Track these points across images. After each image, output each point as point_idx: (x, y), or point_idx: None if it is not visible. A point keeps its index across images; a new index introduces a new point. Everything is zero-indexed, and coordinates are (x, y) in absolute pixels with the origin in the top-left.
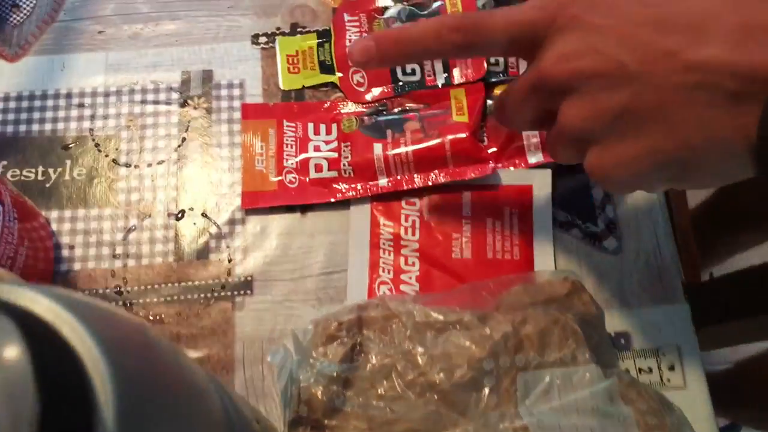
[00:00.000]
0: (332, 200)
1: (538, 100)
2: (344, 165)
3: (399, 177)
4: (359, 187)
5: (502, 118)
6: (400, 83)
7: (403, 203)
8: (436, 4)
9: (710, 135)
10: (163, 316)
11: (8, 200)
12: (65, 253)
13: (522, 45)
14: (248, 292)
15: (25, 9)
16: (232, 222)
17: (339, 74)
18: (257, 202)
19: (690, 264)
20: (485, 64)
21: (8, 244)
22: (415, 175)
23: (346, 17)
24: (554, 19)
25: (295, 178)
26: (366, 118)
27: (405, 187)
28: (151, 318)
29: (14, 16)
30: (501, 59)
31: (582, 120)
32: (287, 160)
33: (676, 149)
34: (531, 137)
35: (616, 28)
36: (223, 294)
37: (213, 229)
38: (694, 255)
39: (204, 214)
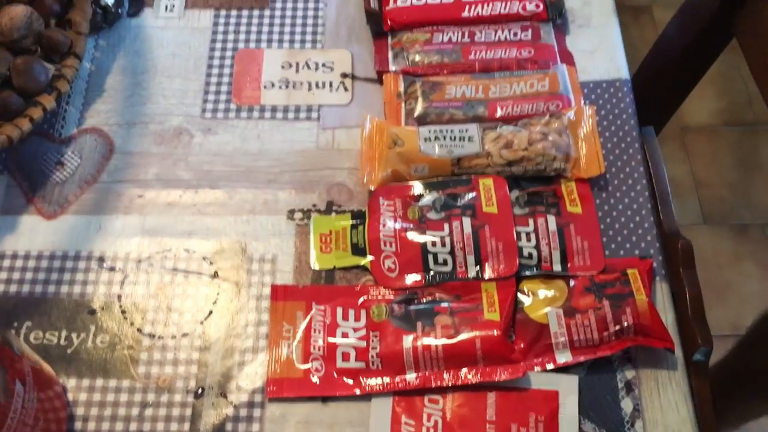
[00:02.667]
0: (357, 392)
1: None
2: (372, 356)
3: (428, 373)
4: (386, 381)
5: None
6: (432, 273)
7: (426, 400)
8: (470, 195)
9: None
10: None
11: (30, 379)
12: (78, 425)
13: None
14: None
15: (69, 167)
16: (251, 405)
17: (370, 257)
18: (282, 392)
19: None
20: (518, 260)
21: (24, 426)
22: (445, 373)
23: (382, 201)
24: None
25: (321, 365)
26: (396, 306)
27: (433, 385)
28: None
29: (58, 173)
30: (534, 252)
31: None
32: (314, 345)
33: None
34: (559, 336)
35: None
36: None
37: (231, 411)
38: None
39: (223, 394)
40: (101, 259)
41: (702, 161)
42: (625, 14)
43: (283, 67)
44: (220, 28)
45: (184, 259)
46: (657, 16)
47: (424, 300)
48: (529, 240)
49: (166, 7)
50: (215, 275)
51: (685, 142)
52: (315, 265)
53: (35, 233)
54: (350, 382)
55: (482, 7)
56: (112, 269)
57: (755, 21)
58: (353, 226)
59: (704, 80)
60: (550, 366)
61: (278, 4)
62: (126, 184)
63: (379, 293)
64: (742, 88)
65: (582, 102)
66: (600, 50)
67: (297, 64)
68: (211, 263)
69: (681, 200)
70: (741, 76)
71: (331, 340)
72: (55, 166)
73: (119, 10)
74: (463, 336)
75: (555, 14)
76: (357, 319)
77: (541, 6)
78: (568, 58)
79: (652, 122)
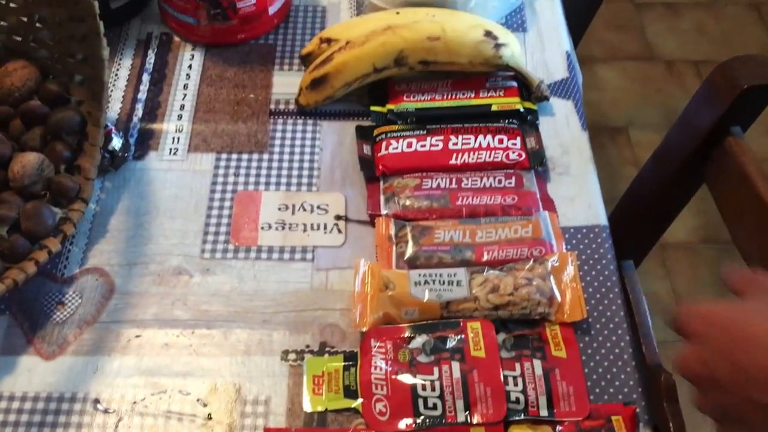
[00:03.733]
0: None
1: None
2: None
3: None
4: None
5: None
6: (422, 417)
7: None
8: (458, 338)
9: None
10: None
11: None
12: None
13: None
14: None
15: (69, 307)
16: None
17: (361, 400)
18: None
19: None
20: (506, 404)
21: None
22: None
23: (374, 343)
24: None
25: None
26: None
27: None
28: None
29: (58, 313)
30: (521, 397)
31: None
32: None
33: None
34: None
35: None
36: None
37: None
38: None
39: None
40: (96, 401)
41: (682, 278)
42: (603, 135)
43: (279, 209)
44: (221, 171)
45: (178, 401)
46: (633, 137)
47: None
48: (516, 384)
49: (170, 151)
50: (209, 417)
51: (665, 259)
52: (307, 408)
53: (33, 374)
54: None
55: (469, 156)
56: (106, 411)
57: (722, 169)
58: (345, 368)
59: None
60: None
61: (276, 149)
62: (124, 324)
63: None
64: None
65: (564, 247)
66: (579, 197)
67: (293, 206)
68: (205, 405)
69: (663, 317)
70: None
71: None
72: (56, 305)
73: (126, 155)
74: None
75: (536, 163)
76: None
77: (524, 155)
78: (549, 205)
79: (633, 255)
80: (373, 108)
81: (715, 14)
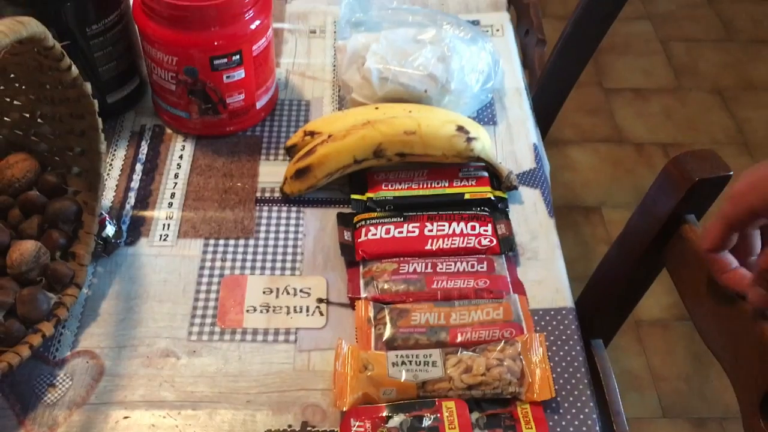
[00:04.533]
0: None
1: None
2: None
3: None
4: None
5: None
6: None
7: None
8: (434, 417)
9: None
10: None
11: None
12: None
13: None
14: None
15: (60, 389)
16: None
17: None
18: None
19: None
20: None
21: None
22: None
23: (353, 422)
24: None
25: None
26: None
27: None
28: None
29: (49, 395)
30: None
31: None
32: None
33: None
34: None
35: None
36: None
37: None
38: None
39: None
40: None
41: (658, 354)
42: (578, 214)
43: (264, 292)
44: (209, 256)
45: None
46: (606, 216)
47: None
48: None
49: (161, 237)
50: None
51: (641, 336)
52: None
53: None
54: None
55: (443, 242)
56: None
57: (680, 254)
58: None
59: None
60: None
61: (262, 234)
62: (113, 405)
63: None
64: None
65: (533, 329)
66: (547, 281)
67: (277, 289)
68: None
69: (640, 393)
70: None
71: None
72: (47, 387)
73: (118, 241)
74: None
75: (507, 249)
76: None
77: (495, 241)
78: (519, 288)
79: (604, 333)
80: (354, 196)
81: (680, 99)
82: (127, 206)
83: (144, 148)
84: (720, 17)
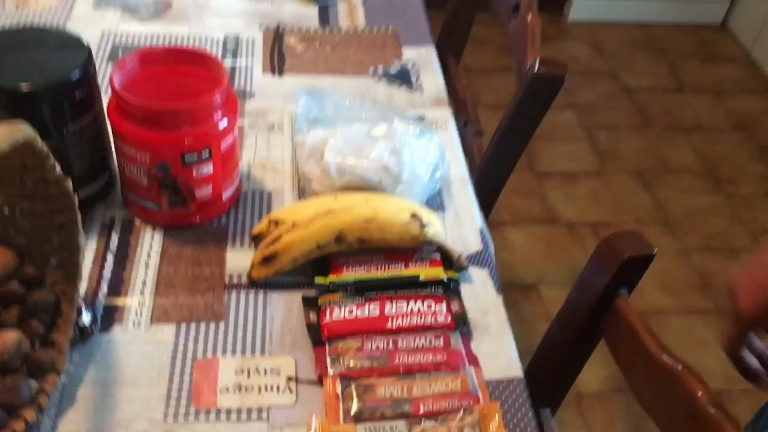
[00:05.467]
0: None
1: None
2: None
3: None
4: None
5: None
6: None
7: None
8: None
9: None
10: None
11: None
12: None
13: None
14: None
15: None
16: None
17: None
18: None
19: None
20: None
21: None
22: None
23: None
24: None
25: None
26: None
27: None
28: None
29: None
30: None
31: None
32: None
33: None
34: None
35: None
36: None
37: None
38: None
39: None
40: None
41: (599, 427)
42: (516, 292)
43: (236, 373)
44: (181, 340)
45: None
46: (544, 293)
47: None
48: None
49: (134, 323)
50: None
51: (582, 409)
52: None
53: None
54: None
55: (402, 320)
56: None
57: (615, 326)
58: None
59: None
60: None
61: (231, 318)
62: None
63: None
64: None
65: (488, 398)
66: (499, 353)
67: (248, 369)
68: None
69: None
70: None
71: None
72: None
73: (94, 328)
74: None
75: (461, 324)
76: None
77: (449, 318)
78: (474, 361)
79: (551, 401)
80: (317, 280)
81: (605, 182)
82: (100, 294)
83: (114, 240)
84: (636, 106)
